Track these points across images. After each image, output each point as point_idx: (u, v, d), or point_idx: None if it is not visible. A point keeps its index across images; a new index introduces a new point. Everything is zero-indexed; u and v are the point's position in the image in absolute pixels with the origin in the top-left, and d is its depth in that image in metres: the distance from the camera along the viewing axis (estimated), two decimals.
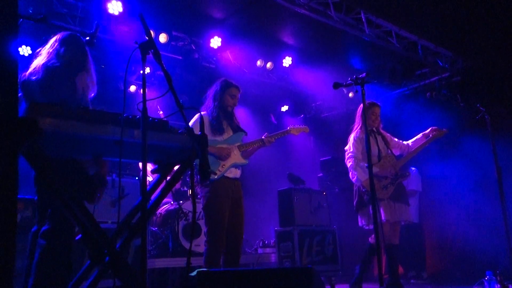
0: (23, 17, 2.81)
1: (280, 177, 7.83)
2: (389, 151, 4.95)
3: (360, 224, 4.95)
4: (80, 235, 2.33)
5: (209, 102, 4.41)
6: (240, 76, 7.78)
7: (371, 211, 4.65)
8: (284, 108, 9.59)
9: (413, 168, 7.04)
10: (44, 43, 3.21)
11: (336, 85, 3.95)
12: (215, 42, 7.08)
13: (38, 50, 3.13)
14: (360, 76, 3.76)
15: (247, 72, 7.92)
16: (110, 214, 4.90)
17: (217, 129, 4.31)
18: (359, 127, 5.00)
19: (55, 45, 3.11)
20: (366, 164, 4.71)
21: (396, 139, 5.17)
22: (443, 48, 7.68)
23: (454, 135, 5.22)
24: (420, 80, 8.42)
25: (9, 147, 1.36)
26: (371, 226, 4.81)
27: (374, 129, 4.97)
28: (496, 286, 3.97)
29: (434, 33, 7.22)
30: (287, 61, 7.90)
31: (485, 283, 4.02)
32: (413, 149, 5.05)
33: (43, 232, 2.77)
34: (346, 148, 4.98)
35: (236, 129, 4.45)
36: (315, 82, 8.48)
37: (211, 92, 4.45)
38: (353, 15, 6.65)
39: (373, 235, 4.74)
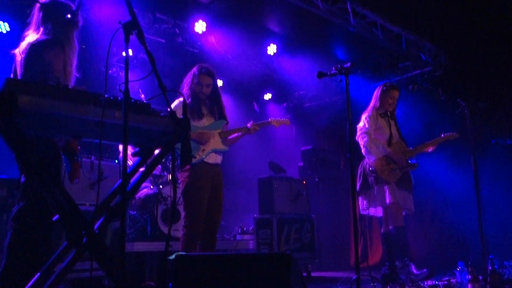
0: None
1: (260, 165, 7.85)
2: (400, 138, 4.91)
3: (358, 208, 4.82)
4: (57, 216, 2.30)
5: (182, 89, 4.40)
6: (224, 62, 7.74)
7: (375, 192, 4.67)
8: (267, 96, 9.58)
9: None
10: (23, 20, 3.14)
11: (320, 75, 3.94)
12: (200, 26, 7.00)
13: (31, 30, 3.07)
14: (345, 66, 3.75)
15: (231, 58, 7.87)
16: (88, 196, 4.84)
17: (195, 114, 4.29)
18: (373, 107, 4.93)
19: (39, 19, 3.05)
20: (381, 144, 4.74)
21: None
22: (427, 42, 7.75)
23: (434, 128, 5.28)
24: (402, 73, 8.49)
25: None
26: (371, 211, 4.82)
27: (388, 113, 4.93)
28: (467, 277, 4.06)
29: (419, 27, 7.27)
30: (271, 49, 7.87)
31: (457, 274, 4.10)
32: (421, 145, 5.01)
33: (16, 212, 2.72)
34: (360, 125, 4.86)
35: (218, 116, 4.44)
36: (299, 71, 8.49)
37: (185, 79, 4.44)
38: (339, 5, 6.65)
39: (383, 225, 4.75)
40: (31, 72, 2.83)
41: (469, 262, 4.08)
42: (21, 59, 2.90)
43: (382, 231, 4.79)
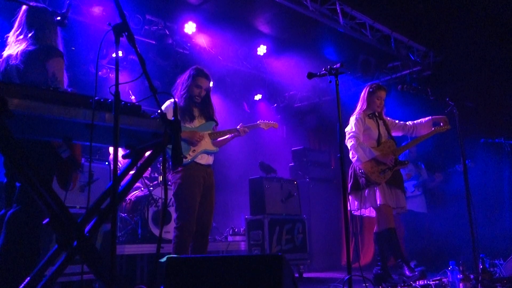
0: None
1: (251, 166, 7.86)
2: (390, 137, 4.94)
3: (349, 207, 4.86)
4: (47, 219, 2.28)
5: (178, 90, 4.39)
6: (214, 63, 7.74)
7: (366, 195, 4.69)
8: (258, 96, 9.59)
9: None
10: (12, 23, 3.14)
11: (310, 75, 3.95)
12: (190, 27, 7.00)
13: (14, 33, 3.06)
14: (335, 66, 3.76)
15: (221, 59, 7.87)
16: (79, 199, 4.81)
17: (187, 117, 4.29)
18: (360, 109, 4.95)
19: (24, 25, 3.05)
20: (368, 147, 4.76)
21: (397, 121, 5.15)
22: (415, 42, 7.81)
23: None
24: (392, 73, 8.56)
25: None
26: (363, 211, 4.85)
27: (376, 113, 4.95)
28: (459, 276, 4.08)
29: (407, 27, 7.33)
30: (261, 50, 7.89)
31: (448, 273, 4.12)
32: (416, 136, 5.07)
33: (11, 215, 2.71)
34: (347, 129, 4.87)
35: (208, 117, 4.44)
36: (289, 71, 8.52)
37: (180, 80, 4.42)
38: (328, 6, 6.69)
39: (376, 225, 4.77)
40: (30, 80, 2.81)
41: (460, 261, 4.10)
42: (16, 65, 2.88)
43: (375, 231, 4.81)
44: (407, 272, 4.48)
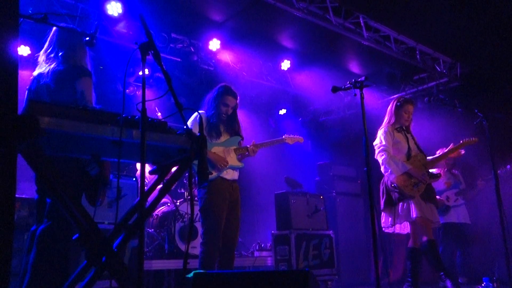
0: (24, 17, 2.80)
1: (277, 181, 7.83)
2: (419, 151, 4.86)
3: (382, 224, 4.71)
4: (77, 235, 2.32)
5: (205, 108, 4.44)
6: (238, 79, 7.80)
7: (399, 209, 4.58)
8: (282, 111, 9.60)
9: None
10: (43, 43, 3.25)
11: (335, 89, 3.93)
12: (214, 44, 7.09)
13: (45, 52, 3.17)
14: (359, 79, 3.74)
15: (245, 75, 7.93)
16: (107, 214, 4.88)
17: (214, 134, 4.32)
18: (388, 122, 4.88)
19: (54, 45, 3.16)
20: (401, 161, 4.70)
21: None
22: (441, 54, 7.71)
23: (452, 140, 5.23)
24: (418, 85, 8.45)
25: (8, 145, 1.36)
26: (396, 228, 4.74)
27: (404, 127, 4.87)
28: None
29: (432, 38, 7.25)
30: (285, 64, 7.92)
31: None
32: (442, 154, 5.07)
33: (42, 230, 2.76)
34: (376, 142, 4.77)
35: (233, 133, 4.46)
36: (313, 85, 8.51)
37: (208, 98, 4.47)
38: (351, 20, 6.68)
39: (410, 240, 4.67)
40: (59, 98, 2.89)
41: (495, 278, 3.99)
42: (46, 84, 2.98)
43: (409, 246, 4.68)
44: (449, 286, 4.35)
